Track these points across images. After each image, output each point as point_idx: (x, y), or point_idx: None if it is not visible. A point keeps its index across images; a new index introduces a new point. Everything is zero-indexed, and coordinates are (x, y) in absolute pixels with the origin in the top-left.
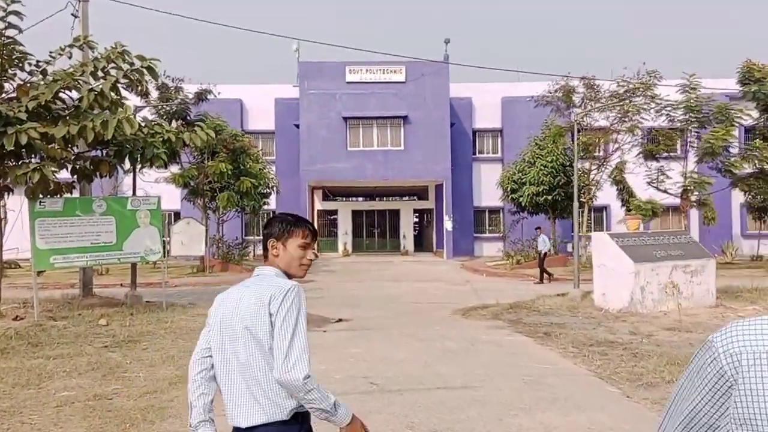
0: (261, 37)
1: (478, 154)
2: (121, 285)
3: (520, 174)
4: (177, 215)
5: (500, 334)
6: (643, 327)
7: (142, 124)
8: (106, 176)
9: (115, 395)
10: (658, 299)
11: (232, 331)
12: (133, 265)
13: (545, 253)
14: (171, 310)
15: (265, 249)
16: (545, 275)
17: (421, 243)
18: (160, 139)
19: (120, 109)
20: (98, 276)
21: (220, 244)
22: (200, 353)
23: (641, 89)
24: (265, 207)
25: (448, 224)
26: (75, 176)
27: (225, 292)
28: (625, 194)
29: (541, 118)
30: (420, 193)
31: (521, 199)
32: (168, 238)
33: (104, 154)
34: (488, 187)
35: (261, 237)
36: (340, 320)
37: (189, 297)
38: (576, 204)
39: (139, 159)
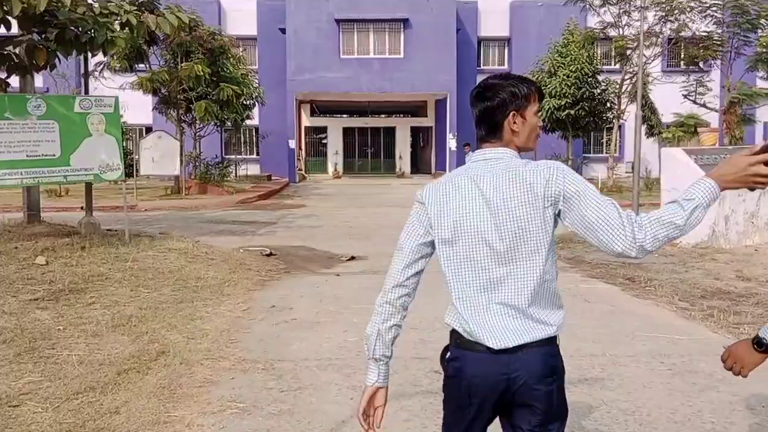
0: None
1: (483, 66)
2: (81, 208)
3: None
4: (149, 130)
5: (572, 280)
6: (747, 269)
7: (93, 2)
8: (45, 67)
9: (25, 399)
10: (743, 231)
11: (481, 235)
12: (88, 186)
13: None
14: (135, 243)
15: (494, 126)
16: None
17: (417, 164)
18: (117, 22)
19: None
20: (56, 198)
21: (197, 163)
22: (408, 270)
23: None
24: (248, 122)
25: (452, 143)
26: (3, 68)
27: (436, 187)
28: (647, 110)
29: (553, 25)
30: (418, 109)
31: (540, 114)
32: (137, 155)
33: (43, 39)
34: None
35: (243, 155)
36: (352, 258)
37: (161, 224)
38: (639, 112)
39: (88, 44)
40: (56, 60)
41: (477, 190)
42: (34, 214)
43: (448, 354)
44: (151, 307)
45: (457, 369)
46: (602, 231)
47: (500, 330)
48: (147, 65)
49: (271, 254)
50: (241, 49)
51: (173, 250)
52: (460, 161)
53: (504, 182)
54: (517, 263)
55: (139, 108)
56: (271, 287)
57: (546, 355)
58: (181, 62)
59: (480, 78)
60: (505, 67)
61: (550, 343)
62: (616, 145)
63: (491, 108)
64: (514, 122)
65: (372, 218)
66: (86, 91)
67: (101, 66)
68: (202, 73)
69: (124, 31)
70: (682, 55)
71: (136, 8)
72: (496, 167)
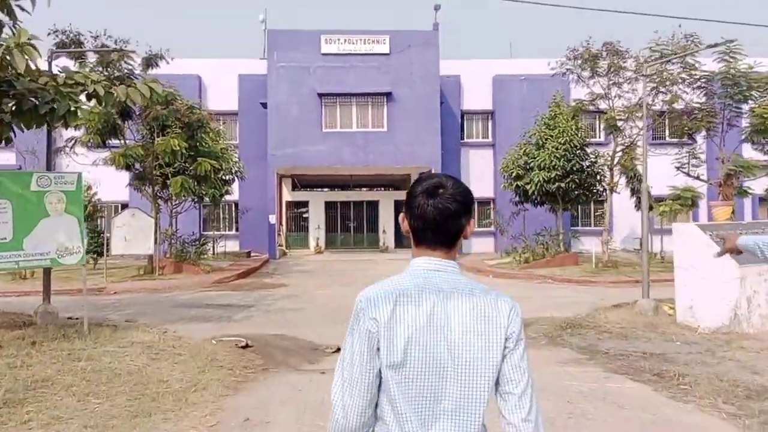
0: (222, 5)
1: (466, 139)
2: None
3: (526, 158)
4: (125, 207)
5: (592, 377)
6: None
7: (59, 72)
8: (0, 141)
9: None
10: (766, 314)
11: (435, 364)
12: (46, 271)
13: None
14: (95, 336)
15: (456, 234)
16: None
17: (401, 239)
18: (83, 92)
19: (10, 36)
20: (19, 280)
21: (173, 241)
22: (362, 406)
23: (679, 54)
24: (227, 197)
25: None
26: None
27: (380, 296)
28: (636, 183)
29: (536, 98)
30: (401, 182)
31: (528, 186)
32: (108, 234)
33: None
34: (478, 175)
35: (222, 231)
36: (338, 349)
37: (129, 309)
38: (645, 185)
39: (47, 116)
40: (13, 133)
41: (438, 310)
42: None
43: None
44: (98, 426)
45: None
46: (506, 391)
47: None
48: (121, 140)
49: (247, 346)
50: (221, 123)
51: (136, 344)
52: None
53: (466, 307)
54: (465, 401)
55: (114, 184)
56: (245, 391)
57: None
58: (158, 137)
59: (464, 151)
60: (489, 139)
61: None
62: (608, 218)
63: (461, 211)
64: (469, 231)
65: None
66: (49, 167)
67: (72, 141)
68: (178, 148)
69: (91, 102)
70: (671, 128)
71: (105, 79)
72: (453, 284)
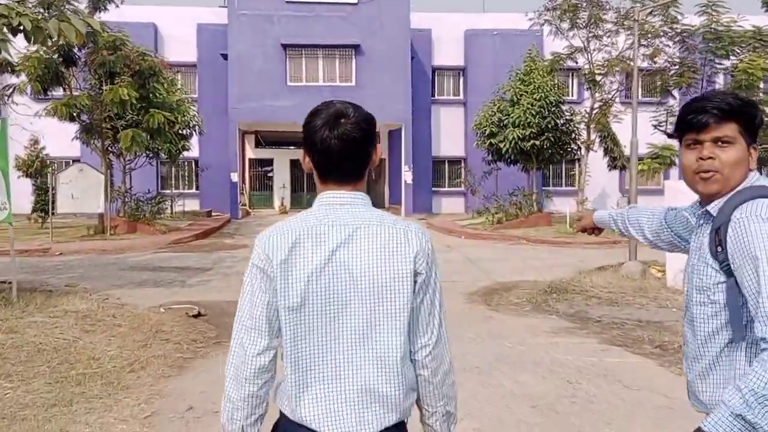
0: None
1: (437, 96)
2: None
3: (500, 114)
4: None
5: (587, 350)
6: None
7: None
8: None
9: None
10: None
11: (338, 302)
12: None
13: None
14: (24, 303)
15: (363, 164)
16: None
17: (371, 197)
18: (7, 26)
19: None
20: None
21: (126, 199)
22: (261, 346)
23: (660, 3)
24: (186, 154)
25: (407, 176)
26: None
27: (278, 233)
28: (610, 142)
29: (508, 54)
30: None
31: (502, 144)
32: (54, 190)
33: None
34: (449, 134)
35: (181, 190)
36: None
37: (73, 272)
38: (635, 139)
39: None
40: None
41: (340, 246)
42: None
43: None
44: (6, 416)
45: None
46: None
47: (346, 419)
48: (66, 89)
49: (199, 314)
50: (178, 75)
51: (70, 313)
52: (418, 195)
53: (373, 240)
54: (376, 341)
55: (64, 139)
56: (192, 371)
57: None
58: (105, 84)
59: (435, 108)
60: (461, 96)
61: (399, 429)
62: (583, 177)
63: (367, 139)
64: (376, 159)
65: None
66: None
67: (11, 89)
68: (128, 98)
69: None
70: (647, 84)
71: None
72: (360, 217)
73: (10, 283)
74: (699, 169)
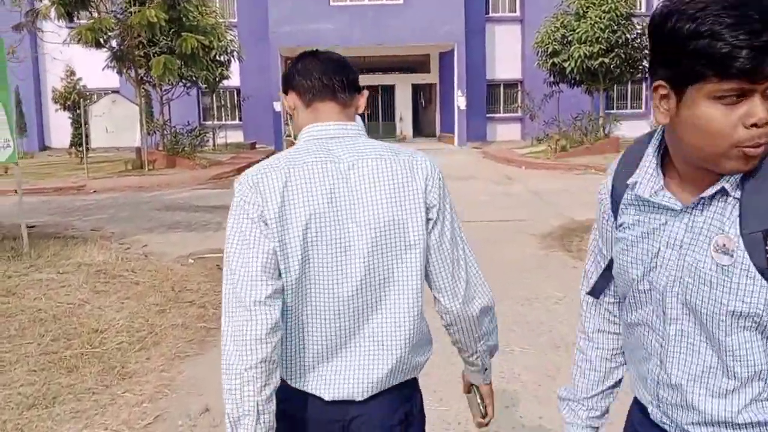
0: None
1: (492, 13)
2: (16, 192)
3: (564, 30)
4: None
5: None
6: None
7: None
8: None
9: None
10: None
11: (345, 251)
12: None
13: None
14: (35, 253)
15: (343, 79)
16: None
17: (419, 127)
18: None
19: None
20: None
21: (165, 132)
22: (267, 295)
23: None
24: (226, 83)
25: (461, 101)
26: None
27: (267, 173)
28: None
29: None
30: (419, 64)
31: (566, 63)
32: (87, 123)
33: None
34: (504, 54)
35: (223, 121)
36: None
37: (103, 213)
38: None
39: None
40: None
41: (340, 185)
42: None
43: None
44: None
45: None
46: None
47: (349, 380)
48: (92, 12)
49: None
50: (216, 3)
51: (83, 267)
52: (471, 122)
53: (374, 175)
54: (387, 291)
55: (100, 69)
56: (214, 348)
57: (401, 398)
58: (133, 5)
59: (489, 27)
60: (517, 13)
61: (409, 386)
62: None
63: (351, 67)
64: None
65: None
66: None
67: (34, 14)
68: (156, 20)
69: None
70: None
71: None
72: (355, 151)
73: (33, 227)
74: (749, 141)
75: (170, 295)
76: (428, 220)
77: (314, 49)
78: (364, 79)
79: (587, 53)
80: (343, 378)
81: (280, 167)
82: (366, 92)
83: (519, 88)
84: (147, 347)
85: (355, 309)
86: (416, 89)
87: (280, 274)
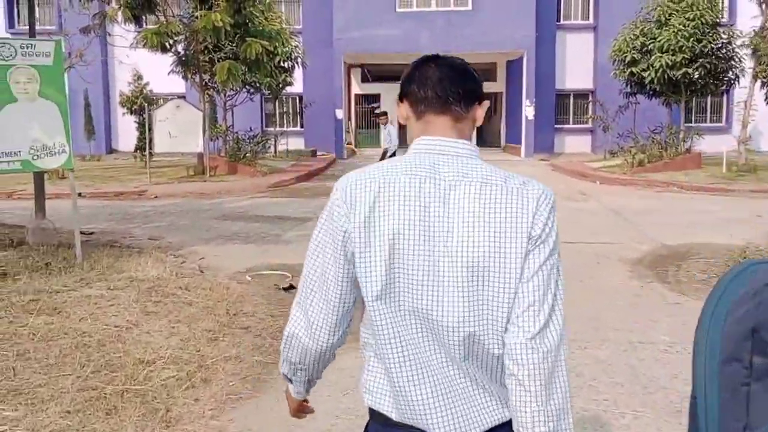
0: None
1: (563, 21)
2: (81, 195)
3: (643, 38)
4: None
5: None
6: None
7: None
8: None
9: None
10: None
11: (431, 276)
12: (38, 175)
13: (391, 155)
14: (88, 265)
15: (461, 90)
16: None
17: (483, 136)
18: None
19: None
20: (56, 180)
21: (227, 137)
22: (330, 324)
23: None
24: (289, 89)
25: (529, 111)
26: None
27: (361, 181)
28: None
29: None
30: (486, 72)
31: (646, 73)
32: (151, 128)
33: None
34: (576, 63)
35: (284, 128)
36: None
37: (162, 220)
38: None
39: None
40: None
41: (436, 205)
42: None
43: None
44: None
45: None
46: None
47: (452, 416)
48: (159, 16)
49: (291, 287)
50: (280, 4)
51: (136, 282)
52: (538, 132)
53: (476, 200)
54: (474, 326)
55: (167, 74)
56: (272, 390)
57: None
58: (198, 8)
59: (560, 35)
60: (590, 21)
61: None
62: (747, 112)
63: (474, 75)
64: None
65: None
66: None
67: (101, 17)
68: (221, 24)
69: None
70: None
71: None
72: (462, 171)
73: (91, 233)
74: None
75: (224, 320)
76: (528, 251)
77: (434, 54)
78: None
79: (669, 63)
80: (442, 415)
81: (376, 178)
82: (486, 102)
83: (590, 98)
84: (196, 385)
85: (446, 342)
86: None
87: (353, 299)
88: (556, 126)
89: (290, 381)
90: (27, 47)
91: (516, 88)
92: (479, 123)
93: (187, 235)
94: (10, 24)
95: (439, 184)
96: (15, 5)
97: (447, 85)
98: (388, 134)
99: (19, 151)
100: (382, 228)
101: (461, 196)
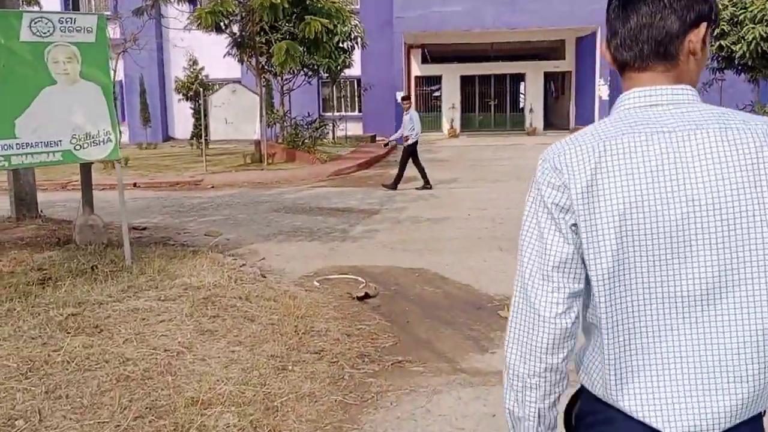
0: None
1: None
2: (134, 185)
3: (734, 9)
4: None
5: None
6: None
7: None
8: None
9: None
10: None
11: (677, 247)
12: (84, 167)
13: (412, 144)
14: (137, 269)
15: (672, 48)
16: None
17: (550, 118)
18: None
19: None
20: (111, 170)
21: (284, 123)
22: (560, 303)
23: None
24: (347, 72)
25: (602, 90)
26: None
27: (573, 149)
28: None
29: None
30: (552, 51)
31: (737, 46)
32: (207, 114)
33: None
34: None
35: (342, 113)
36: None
37: (219, 213)
38: None
39: None
40: None
41: (665, 163)
42: (26, 205)
43: (580, 410)
44: None
45: None
46: None
47: (688, 410)
48: None
49: (366, 296)
50: None
51: (191, 291)
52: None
53: (719, 148)
54: (734, 298)
55: (222, 58)
56: None
57: None
58: None
59: None
60: None
61: (756, 423)
62: None
63: (687, 14)
64: (703, 43)
65: (519, 202)
66: (75, 7)
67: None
68: (278, 1)
69: None
70: None
71: None
72: (690, 119)
73: (143, 230)
74: None
75: (292, 341)
76: None
77: None
78: (491, 68)
79: (763, 34)
80: (676, 408)
81: (588, 143)
82: (704, 27)
83: None
84: None
85: (691, 323)
86: (549, 77)
87: (581, 274)
88: None
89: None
90: (66, 22)
91: (586, 66)
92: (699, 55)
93: (246, 230)
94: (65, 9)
95: (670, 138)
96: None
97: (660, 28)
98: (411, 119)
99: (60, 141)
100: (608, 196)
101: (700, 147)
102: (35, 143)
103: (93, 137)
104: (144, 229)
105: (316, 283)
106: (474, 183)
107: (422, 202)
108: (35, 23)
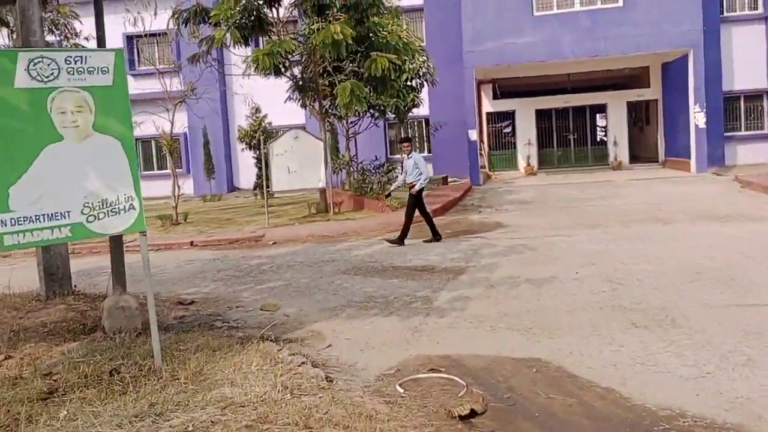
0: None
1: (727, 13)
2: (191, 244)
3: None
4: None
5: None
6: None
7: None
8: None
9: None
10: None
11: None
12: (114, 240)
13: (418, 191)
14: (169, 370)
15: None
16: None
17: (635, 151)
18: None
19: None
20: (170, 227)
21: (350, 169)
22: None
23: None
24: (414, 111)
25: (699, 118)
26: None
27: None
28: None
29: None
30: (635, 79)
31: None
32: (268, 163)
33: None
34: (744, 60)
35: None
36: None
37: (280, 276)
38: None
39: None
40: None
41: None
42: (57, 280)
43: None
44: None
45: None
46: None
47: None
48: (271, 36)
49: (472, 414)
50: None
51: (230, 411)
52: (713, 142)
53: None
54: None
55: (286, 104)
56: None
57: None
58: (315, 24)
59: (725, 29)
60: (760, 11)
61: None
62: None
63: None
64: None
65: (635, 255)
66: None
67: (208, 44)
68: (341, 37)
69: None
70: None
71: None
72: None
73: (191, 303)
74: None
75: None
76: None
77: None
78: (571, 99)
79: None
80: None
81: None
82: None
83: (764, 99)
84: None
85: None
86: (632, 108)
87: None
88: (725, 134)
89: None
90: (75, 61)
91: (675, 93)
92: None
93: (309, 301)
94: (131, 65)
95: None
96: (134, 45)
97: None
98: (415, 165)
99: (68, 212)
100: None
101: None
102: (36, 217)
103: (111, 205)
104: (191, 303)
105: (400, 389)
106: (570, 230)
107: (516, 256)
108: (35, 65)
